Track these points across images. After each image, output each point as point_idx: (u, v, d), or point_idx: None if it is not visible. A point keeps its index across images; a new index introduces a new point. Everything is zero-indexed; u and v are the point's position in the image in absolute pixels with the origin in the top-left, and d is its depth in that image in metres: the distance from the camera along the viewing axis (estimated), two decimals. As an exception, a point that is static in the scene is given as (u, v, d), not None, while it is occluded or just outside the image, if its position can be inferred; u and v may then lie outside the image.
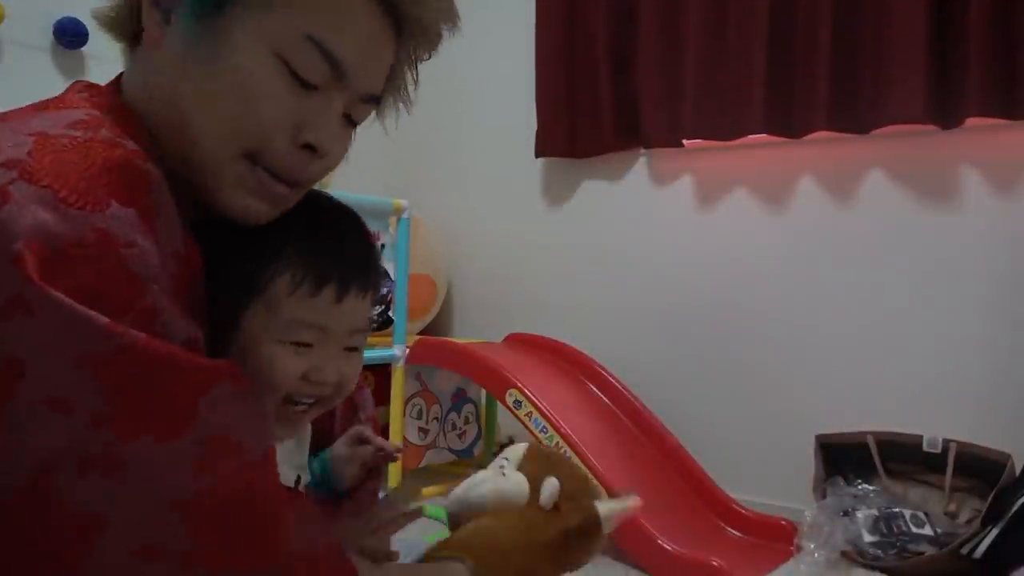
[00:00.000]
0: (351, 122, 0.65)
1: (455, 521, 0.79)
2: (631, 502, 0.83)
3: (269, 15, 0.57)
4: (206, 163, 0.59)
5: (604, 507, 0.80)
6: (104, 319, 0.45)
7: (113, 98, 0.60)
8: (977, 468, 1.77)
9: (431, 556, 0.71)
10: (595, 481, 0.85)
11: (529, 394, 1.94)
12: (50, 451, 0.44)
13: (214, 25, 0.57)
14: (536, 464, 0.79)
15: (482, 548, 0.71)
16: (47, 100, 0.58)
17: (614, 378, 2.24)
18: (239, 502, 0.49)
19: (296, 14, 0.57)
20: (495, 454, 0.86)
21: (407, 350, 2.17)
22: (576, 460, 1.72)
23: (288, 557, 0.52)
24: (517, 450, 0.82)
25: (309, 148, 0.61)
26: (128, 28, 0.62)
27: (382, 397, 2.36)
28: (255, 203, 0.61)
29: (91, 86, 0.61)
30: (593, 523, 0.78)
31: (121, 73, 0.64)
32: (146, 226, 0.49)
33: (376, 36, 0.62)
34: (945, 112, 1.84)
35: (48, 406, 0.44)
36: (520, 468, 0.79)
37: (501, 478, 0.78)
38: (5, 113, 0.55)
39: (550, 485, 0.76)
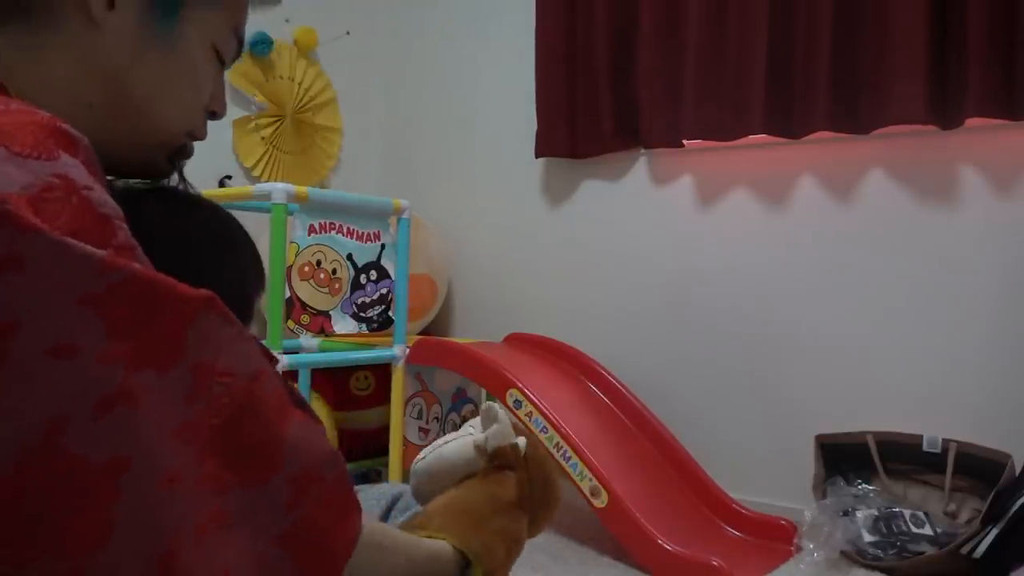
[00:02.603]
0: None
1: (421, 487, 0.84)
2: (500, 413, 0.86)
3: (212, 13, 0.65)
4: (161, 140, 0.66)
5: (488, 433, 0.84)
6: (102, 252, 0.45)
7: None
8: (977, 468, 1.77)
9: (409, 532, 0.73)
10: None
11: (529, 394, 1.94)
12: (60, 402, 0.43)
13: (173, 19, 0.63)
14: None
15: (458, 519, 0.73)
16: None
17: (614, 378, 2.24)
18: (234, 422, 0.49)
19: (229, 11, 0.67)
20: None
21: (407, 350, 2.18)
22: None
23: (294, 475, 0.52)
24: (477, 418, 0.86)
25: (213, 114, 0.71)
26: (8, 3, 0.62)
27: (382, 397, 2.36)
28: (169, 168, 0.70)
29: None
30: (498, 454, 0.81)
31: None
32: (93, 176, 0.50)
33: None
34: (945, 112, 1.84)
35: (51, 355, 0.43)
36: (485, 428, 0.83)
37: (469, 438, 0.83)
38: None
39: (497, 426, 0.81)
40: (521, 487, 0.80)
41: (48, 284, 0.43)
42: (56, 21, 0.61)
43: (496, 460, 0.81)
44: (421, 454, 0.85)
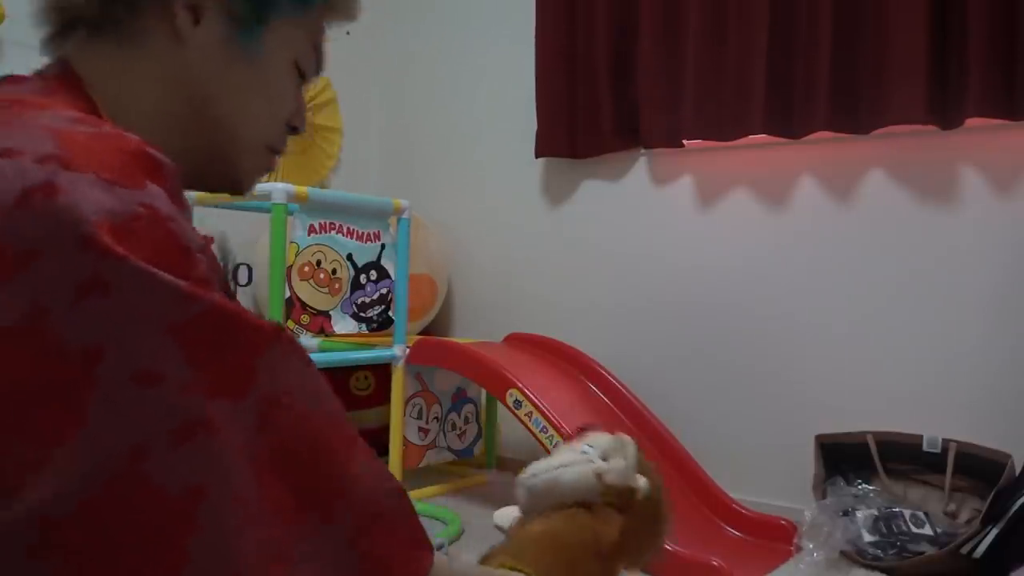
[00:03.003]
0: None
1: (527, 504, 0.78)
2: (627, 447, 0.82)
3: (294, 29, 0.66)
4: (240, 152, 0.67)
5: (613, 469, 0.79)
6: (184, 282, 0.46)
7: (82, 103, 0.60)
8: (977, 468, 1.77)
9: (491, 562, 0.70)
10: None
11: (529, 394, 1.94)
12: (143, 429, 0.44)
13: (257, 35, 0.64)
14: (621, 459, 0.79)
15: (551, 558, 0.70)
16: (11, 96, 0.58)
17: (614, 378, 2.24)
18: (300, 454, 0.50)
19: (312, 28, 0.68)
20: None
21: (407, 350, 2.18)
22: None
23: (360, 507, 0.52)
24: (601, 439, 0.81)
25: (294, 129, 0.71)
26: (89, 16, 0.63)
27: (382, 397, 2.36)
28: (257, 178, 0.71)
29: (42, 79, 0.62)
30: (616, 493, 0.77)
31: (66, 61, 0.64)
32: (176, 205, 0.50)
33: None
34: (945, 112, 1.84)
35: (134, 382, 0.44)
36: (605, 459, 0.79)
37: (588, 465, 0.78)
38: None
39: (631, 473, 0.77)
40: (625, 534, 0.75)
41: (133, 311, 0.44)
42: (143, 36, 0.62)
43: (608, 497, 0.77)
44: (532, 469, 0.80)
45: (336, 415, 0.54)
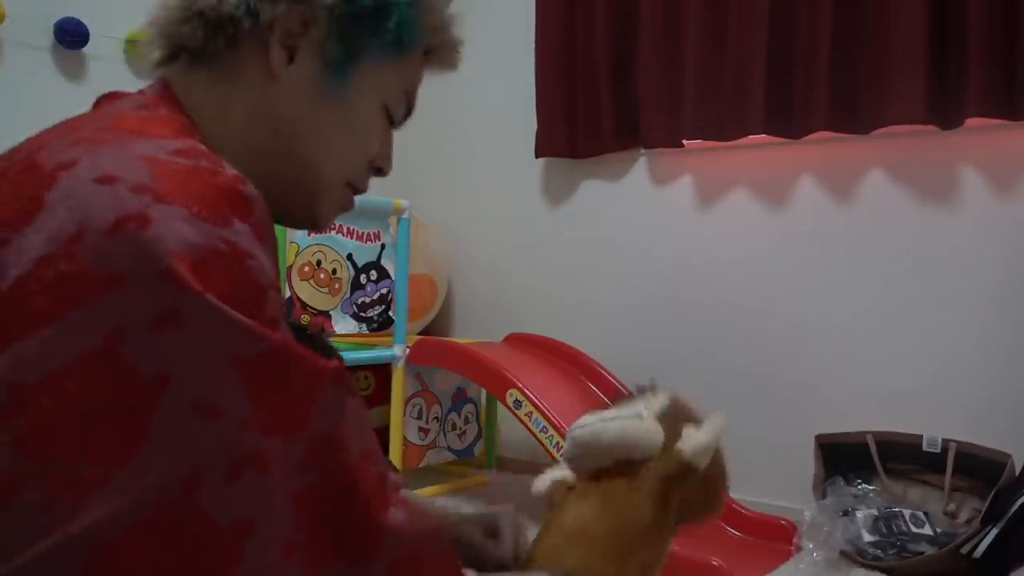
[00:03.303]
0: None
1: (573, 455, 0.76)
2: (716, 420, 0.76)
3: (385, 74, 0.68)
4: (319, 187, 0.68)
5: (688, 443, 0.73)
6: (252, 321, 0.47)
7: (183, 119, 0.62)
8: (977, 468, 1.77)
9: (533, 556, 0.69)
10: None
11: (529, 394, 1.94)
12: (198, 458, 0.45)
13: (350, 77, 0.65)
14: (676, 423, 0.75)
15: (598, 556, 0.68)
16: (109, 115, 0.59)
17: (614, 378, 2.24)
18: (341, 500, 0.51)
19: (402, 74, 0.69)
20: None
21: (407, 350, 2.18)
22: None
23: (393, 553, 0.54)
24: (658, 401, 0.78)
25: (379, 170, 0.73)
26: (195, 43, 0.64)
27: (382, 397, 2.36)
28: (335, 215, 0.72)
29: (145, 100, 0.62)
30: (682, 470, 0.72)
31: (169, 83, 0.65)
32: (261, 243, 0.52)
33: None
34: (945, 112, 1.84)
35: (196, 412, 0.45)
36: (660, 420, 0.75)
37: (636, 421, 0.74)
38: (73, 127, 0.56)
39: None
40: (684, 504, 0.72)
41: (202, 344, 0.46)
42: (240, 70, 0.64)
43: (666, 467, 0.72)
44: (583, 420, 0.77)
45: (378, 461, 0.55)
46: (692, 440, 0.73)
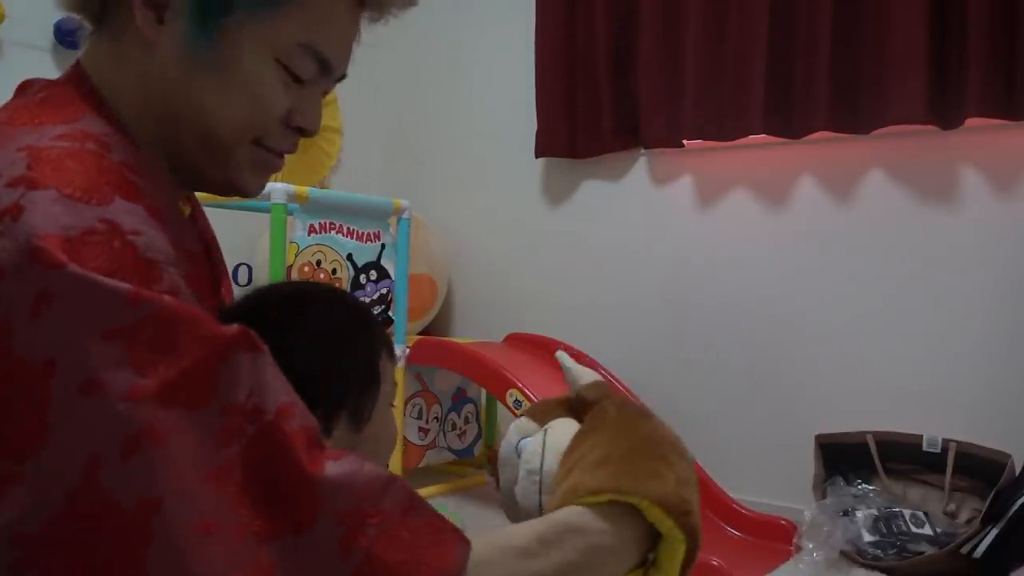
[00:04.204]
0: (324, 95, 0.73)
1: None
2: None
3: (269, 27, 0.63)
4: (222, 148, 0.65)
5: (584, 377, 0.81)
6: (127, 285, 0.46)
7: (86, 92, 0.62)
8: (977, 468, 1.77)
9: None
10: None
11: (529, 394, 1.94)
12: (93, 440, 0.44)
13: (217, 33, 0.61)
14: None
15: (616, 470, 0.67)
16: (9, 108, 0.59)
17: (614, 378, 2.24)
18: (266, 466, 0.48)
19: (294, 26, 0.64)
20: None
21: (407, 350, 2.18)
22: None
23: (337, 507, 0.49)
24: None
25: (299, 129, 0.70)
26: (93, 10, 0.64)
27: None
28: (255, 178, 0.70)
29: (49, 86, 0.62)
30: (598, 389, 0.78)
31: (79, 60, 0.65)
32: (155, 221, 0.51)
33: (352, 27, 0.71)
34: (945, 112, 1.84)
35: (82, 392, 0.44)
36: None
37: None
38: None
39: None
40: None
41: (75, 319, 0.44)
42: (124, 37, 0.63)
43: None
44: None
45: (300, 416, 0.51)
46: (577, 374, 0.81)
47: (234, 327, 0.50)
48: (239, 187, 0.69)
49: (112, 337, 0.45)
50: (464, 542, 0.55)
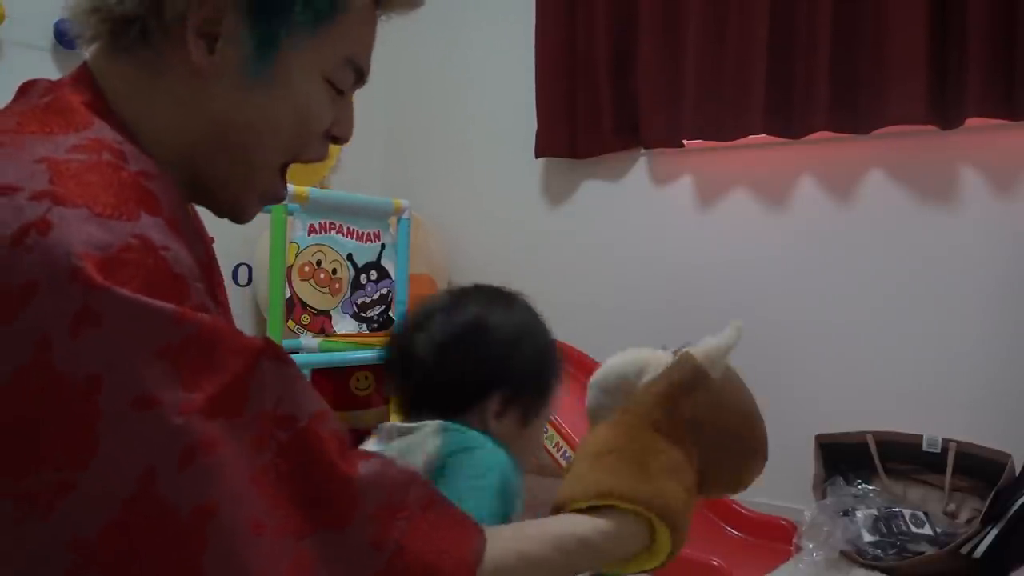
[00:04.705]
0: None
1: (593, 404, 0.77)
2: (733, 328, 0.75)
3: (318, 47, 0.64)
4: (254, 166, 0.65)
5: (700, 346, 0.72)
6: (171, 306, 0.47)
7: (96, 104, 0.61)
8: (977, 468, 1.77)
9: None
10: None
11: (529, 394, 1.93)
12: (148, 453, 0.45)
13: (272, 60, 0.62)
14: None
15: (599, 471, 0.67)
16: (14, 112, 0.58)
17: (614, 378, 2.24)
18: (300, 470, 0.51)
19: (340, 43, 0.65)
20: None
21: (407, 350, 2.17)
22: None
23: (372, 503, 0.53)
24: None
25: (334, 138, 0.70)
26: (128, 39, 0.62)
27: (382, 397, 2.36)
28: (256, 207, 0.69)
29: (53, 89, 0.61)
30: (692, 373, 0.71)
31: (87, 63, 0.64)
32: (174, 234, 0.52)
33: (375, 31, 0.71)
34: (945, 112, 1.84)
35: (134, 407, 0.45)
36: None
37: (648, 350, 0.77)
38: None
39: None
40: (699, 440, 0.69)
41: (124, 338, 0.46)
42: (161, 64, 0.62)
43: (681, 377, 0.70)
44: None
45: (330, 422, 0.55)
46: (704, 343, 0.74)
47: (258, 338, 0.52)
48: (242, 210, 0.69)
49: (162, 356, 0.47)
50: (480, 532, 0.59)
